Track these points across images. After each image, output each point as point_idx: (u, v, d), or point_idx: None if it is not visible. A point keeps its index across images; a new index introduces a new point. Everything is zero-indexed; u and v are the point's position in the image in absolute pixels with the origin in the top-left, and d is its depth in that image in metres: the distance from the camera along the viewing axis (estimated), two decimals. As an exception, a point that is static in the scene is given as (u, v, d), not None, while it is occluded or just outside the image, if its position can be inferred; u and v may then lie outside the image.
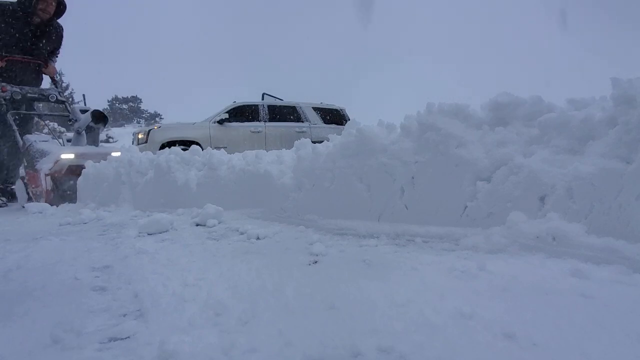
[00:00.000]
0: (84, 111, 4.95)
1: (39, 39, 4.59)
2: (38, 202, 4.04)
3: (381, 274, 1.37)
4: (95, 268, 1.60)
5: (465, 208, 1.87)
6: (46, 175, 4.00)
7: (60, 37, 4.86)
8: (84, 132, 4.80)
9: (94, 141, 4.93)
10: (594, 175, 1.53)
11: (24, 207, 3.85)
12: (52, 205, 3.83)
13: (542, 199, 1.67)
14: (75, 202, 3.92)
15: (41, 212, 3.42)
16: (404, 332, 0.95)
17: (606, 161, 1.54)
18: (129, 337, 0.99)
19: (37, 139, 4.48)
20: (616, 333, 0.92)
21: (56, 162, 4.07)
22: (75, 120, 4.85)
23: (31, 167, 4.22)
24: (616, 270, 1.29)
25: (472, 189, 1.87)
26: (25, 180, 4.34)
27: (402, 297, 1.14)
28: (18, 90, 4.47)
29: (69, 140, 5.12)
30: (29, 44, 4.54)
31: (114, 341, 0.98)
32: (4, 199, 4.49)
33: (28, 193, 4.35)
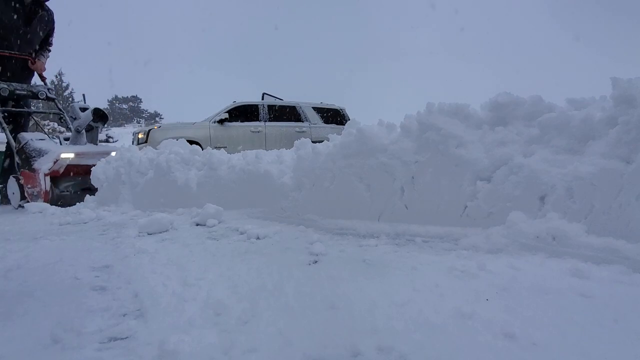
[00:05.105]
0: (84, 109, 4.72)
1: (31, 22, 4.40)
2: (35, 202, 3.89)
3: (381, 274, 1.37)
4: (95, 268, 1.60)
5: (465, 208, 1.87)
6: (45, 175, 3.88)
7: (52, 22, 4.67)
8: (83, 130, 4.64)
9: (92, 140, 4.77)
10: (594, 175, 1.53)
11: (23, 207, 3.81)
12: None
13: (542, 199, 1.67)
14: (74, 204, 3.79)
15: (41, 212, 3.42)
16: (403, 332, 0.95)
17: (606, 161, 1.54)
18: (128, 336, 0.99)
19: (32, 137, 4.34)
20: (616, 333, 0.92)
21: (56, 161, 3.95)
22: (74, 119, 4.69)
23: (27, 166, 4.08)
24: (616, 270, 1.29)
25: (472, 189, 1.87)
26: (21, 181, 4.15)
27: (402, 297, 1.14)
28: (5, 86, 4.29)
29: (66, 139, 4.93)
30: (22, 29, 4.34)
31: (114, 341, 0.98)
32: None
33: (23, 193, 4.20)
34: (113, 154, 4.26)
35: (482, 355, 0.84)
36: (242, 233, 2.13)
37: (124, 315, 1.13)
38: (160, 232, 2.28)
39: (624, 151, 1.52)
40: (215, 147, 3.89)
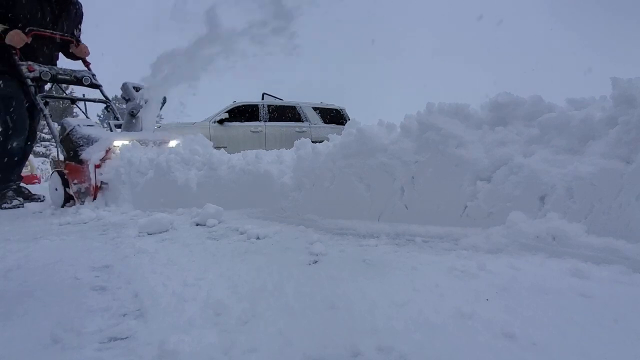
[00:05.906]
0: (137, 88, 3.94)
1: (60, 15, 4.11)
2: (82, 201, 3.31)
3: (381, 274, 1.37)
4: (95, 268, 1.60)
5: (465, 208, 1.87)
6: (96, 166, 3.26)
7: (81, 14, 4.36)
8: (139, 115, 3.90)
9: (143, 126, 4.04)
10: (594, 175, 1.53)
11: (32, 203, 3.68)
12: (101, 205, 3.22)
13: (542, 199, 1.67)
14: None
15: (41, 212, 3.42)
16: (403, 332, 0.95)
17: (606, 161, 1.54)
18: (128, 336, 0.99)
19: (80, 123, 3.68)
20: (616, 333, 0.92)
21: (108, 150, 3.33)
22: (127, 100, 3.94)
23: (74, 157, 3.42)
24: (616, 270, 1.29)
25: (472, 189, 1.87)
26: (65, 175, 3.48)
27: (402, 297, 1.14)
28: (47, 70, 3.70)
29: (117, 127, 4.20)
30: (50, 22, 4.02)
31: (114, 341, 0.98)
32: (20, 199, 3.84)
33: (66, 190, 3.49)
34: (172, 143, 3.71)
35: (482, 355, 0.85)
36: (242, 233, 2.13)
37: (124, 315, 1.13)
38: (160, 232, 2.28)
39: (624, 151, 1.52)
40: (216, 148, 3.86)
